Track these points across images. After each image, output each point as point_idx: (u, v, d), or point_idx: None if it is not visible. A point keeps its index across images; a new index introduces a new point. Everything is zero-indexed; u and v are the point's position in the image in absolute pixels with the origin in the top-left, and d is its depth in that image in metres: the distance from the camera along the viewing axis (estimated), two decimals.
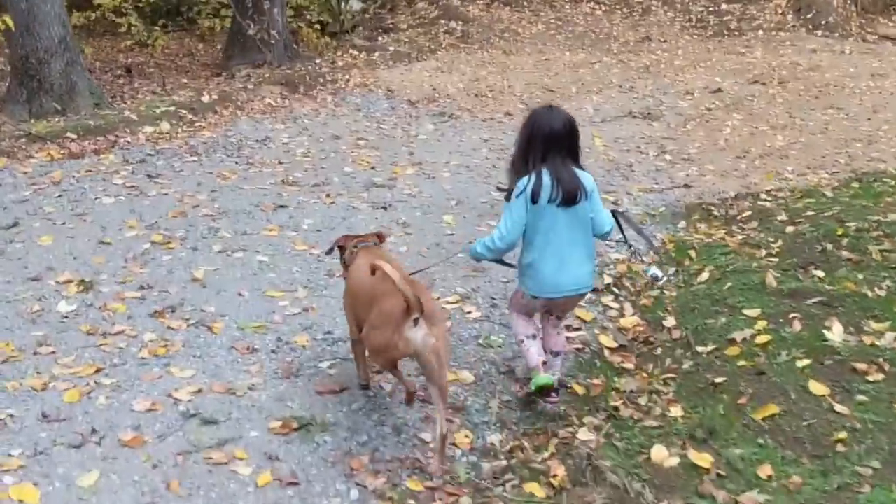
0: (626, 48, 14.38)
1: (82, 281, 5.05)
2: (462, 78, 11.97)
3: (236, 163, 7.82)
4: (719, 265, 5.53)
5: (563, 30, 15.55)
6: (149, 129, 8.71)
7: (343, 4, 15.52)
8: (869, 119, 9.75)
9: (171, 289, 5.01)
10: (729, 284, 5.16)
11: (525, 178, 3.71)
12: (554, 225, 3.71)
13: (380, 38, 14.98)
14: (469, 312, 4.88)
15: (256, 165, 7.75)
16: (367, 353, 3.79)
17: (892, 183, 7.27)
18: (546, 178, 3.67)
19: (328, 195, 6.90)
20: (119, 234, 5.88)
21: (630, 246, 4.45)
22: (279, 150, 8.33)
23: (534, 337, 3.98)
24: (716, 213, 6.79)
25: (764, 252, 5.70)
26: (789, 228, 6.09)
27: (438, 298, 4.88)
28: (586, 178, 3.76)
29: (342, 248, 4.08)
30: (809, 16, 15.44)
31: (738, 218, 6.57)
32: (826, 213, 6.28)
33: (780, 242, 5.82)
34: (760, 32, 15.22)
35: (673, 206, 6.99)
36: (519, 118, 9.86)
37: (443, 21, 15.46)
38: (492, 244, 3.81)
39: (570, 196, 3.67)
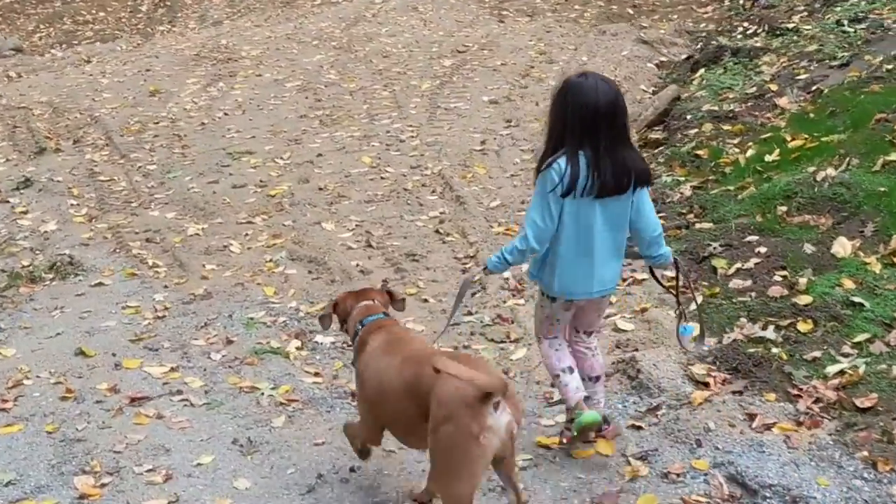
0: None
1: None
2: None
3: None
4: None
5: None
6: None
7: None
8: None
9: None
10: None
11: (558, 165, 3.32)
12: (588, 218, 3.39)
13: None
14: None
15: None
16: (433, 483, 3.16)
17: None
18: (583, 167, 3.30)
19: None
20: None
21: (677, 299, 3.81)
22: None
23: (570, 370, 3.66)
24: None
25: None
26: None
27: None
28: (636, 162, 3.37)
29: (342, 320, 3.49)
30: None
31: None
32: None
33: None
34: None
35: None
36: None
37: None
38: (523, 245, 3.44)
39: (610, 187, 3.34)
